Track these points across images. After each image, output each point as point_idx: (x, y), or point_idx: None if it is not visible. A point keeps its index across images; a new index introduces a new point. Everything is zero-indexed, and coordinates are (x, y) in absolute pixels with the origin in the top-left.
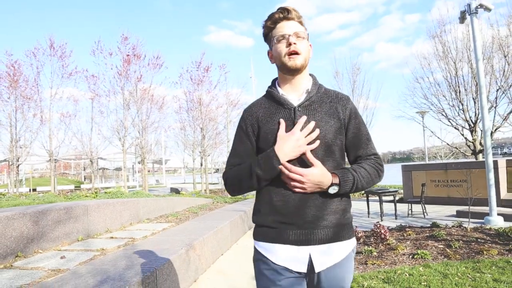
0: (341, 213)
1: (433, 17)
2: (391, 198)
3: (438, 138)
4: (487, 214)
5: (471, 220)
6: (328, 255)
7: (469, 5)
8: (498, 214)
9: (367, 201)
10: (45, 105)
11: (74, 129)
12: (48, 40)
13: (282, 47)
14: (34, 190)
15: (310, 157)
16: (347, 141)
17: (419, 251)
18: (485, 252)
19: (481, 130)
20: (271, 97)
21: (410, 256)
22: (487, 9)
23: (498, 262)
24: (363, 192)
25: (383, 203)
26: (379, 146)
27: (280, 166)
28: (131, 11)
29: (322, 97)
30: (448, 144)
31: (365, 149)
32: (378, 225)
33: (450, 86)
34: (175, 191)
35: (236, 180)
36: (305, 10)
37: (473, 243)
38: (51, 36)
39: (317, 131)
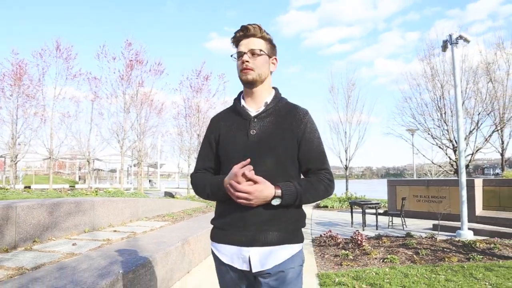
0: (286, 220)
1: (431, 37)
2: (374, 210)
3: (424, 156)
4: (459, 228)
5: (445, 233)
6: (267, 258)
7: (450, 35)
8: (469, 229)
9: (351, 212)
10: (48, 104)
11: (73, 129)
12: (55, 42)
13: (239, 64)
14: (29, 187)
15: (252, 175)
16: (300, 154)
17: (389, 256)
18: (446, 259)
19: (464, 151)
20: (234, 108)
21: (381, 260)
22: (466, 40)
23: (454, 267)
24: (347, 203)
25: (367, 215)
26: (373, 161)
27: (227, 185)
28: (136, 12)
29: (280, 110)
30: (432, 162)
31: (316, 163)
32: (357, 233)
33: (437, 107)
34: (169, 195)
35: (196, 188)
36: (307, 23)
37: (439, 252)
38: (58, 39)
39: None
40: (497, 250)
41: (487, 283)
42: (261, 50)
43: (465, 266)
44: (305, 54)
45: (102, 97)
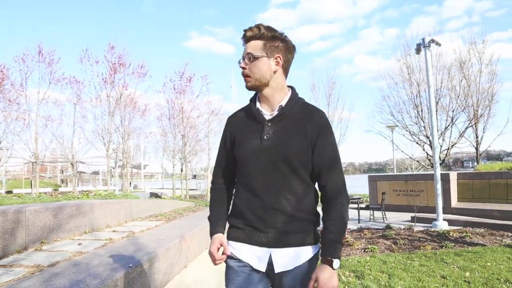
0: (303, 222)
1: (407, 38)
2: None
3: (402, 151)
4: (436, 220)
5: (422, 224)
6: (289, 258)
7: (423, 39)
8: (445, 220)
9: None
10: (32, 109)
11: (57, 132)
12: (37, 46)
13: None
14: (10, 192)
15: (310, 285)
16: (313, 158)
17: (370, 246)
18: (421, 248)
19: (441, 146)
20: (249, 109)
21: (363, 250)
22: (438, 44)
23: (428, 254)
24: None
25: (350, 209)
26: (355, 157)
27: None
28: (117, 12)
29: (295, 113)
30: (410, 157)
31: (328, 170)
32: None
33: (414, 105)
34: (155, 195)
35: (210, 205)
36: (287, 20)
37: (415, 241)
38: (40, 43)
39: None
40: (468, 238)
41: (455, 266)
42: (252, 54)
43: (438, 253)
44: None
45: (86, 100)
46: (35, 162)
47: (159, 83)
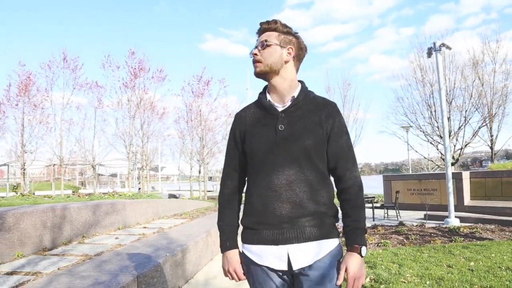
0: (320, 215)
1: (420, 40)
2: (370, 204)
3: (416, 151)
4: (448, 217)
5: (435, 221)
6: (307, 254)
7: (434, 43)
8: (457, 217)
9: None
10: (56, 113)
11: (78, 136)
12: (62, 53)
13: None
14: (32, 194)
15: (340, 276)
16: (328, 149)
17: (383, 241)
18: (432, 242)
19: (454, 145)
20: (259, 103)
21: (376, 245)
22: (448, 47)
23: (437, 247)
24: None
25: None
26: (371, 157)
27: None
28: (130, 15)
29: (308, 104)
30: (424, 157)
31: (343, 160)
32: None
33: (427, 106)
34: (173, 197)
35: (218, 215)
36: (301, 21)
37: (426, 236)
38: (64, 50)
39: None
40: (477, 233)
41: (461, 257)
42: (266, 41)
43: (446, 246)
44: None
45: (108, 105)
46: (60, 164)
47: (175, 85)
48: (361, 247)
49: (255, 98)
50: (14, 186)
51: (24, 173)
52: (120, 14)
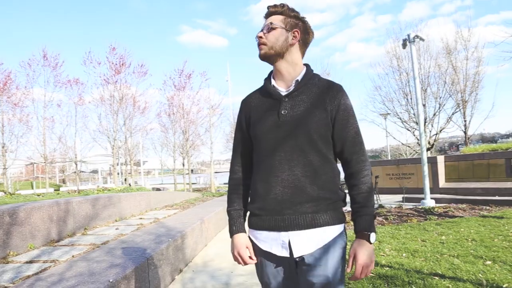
0: (324, 201)
1: (395, 30)
2: None
3: (394, 138)
4: (424, 199)
5: (412, 203)
6: (308, 240)
7: (408, 35)
8: (432, 198)
9: None
10: (39, 111)
11: (59, 133)
12: (41, 51)
13: None
14: (12, 194)
15: (349, 264)
16: (334, 133)
17: None
18: (408, 221)
19: (430, 131)
20: (264, 88)
21: None
22: (422, 39)
23: (413, 225)
24: None
25: (346, 194)
26: None
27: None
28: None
29: (312, 88)
30: (402, 143)
31: (350, 144)
32: None
33: (403, 94)
34: (157, 190)
35: (227, 200)
36: None
37: (404, 217)
38: (44, 47)
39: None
40: (450, 212)
41: (434, 233)
42: (272, 23)
43: (421, 224)
44: None
45: (90, 101)
46: (44, 163)
47: (156, 79)
48: (370, 234)
49: (236, 90)
50: None
51: (5, 173)
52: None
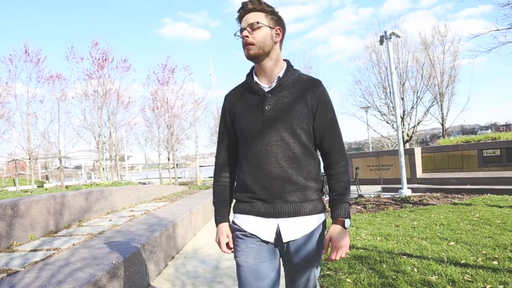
0: (308, 190)
1: (374, 26)
2: None
3: (374, 130)
4: (401, 188)
5: (391, 193)
6: (295, 227)
7: (385, 32)
8: (409, 188)
9: None
10: (22, 107)
11: (43, 129)
12: (23, 46)
13: (241, 40)
14: None
15: (325, 246)
16: (315, 126)
17: None
18: (385, 209)
19: (408, 124)
20: (247, 84)
21: None
22: (397, 36)
23: (389, 212)
24: None
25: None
26: None
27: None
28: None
29: (293, 83)
30: (382, 136)
31: (329, 136)
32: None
33: (382, 88)
34: (143, 185)
35: (213, 194)
36: None
37: (381, 205)
38: (25, 43)
39: None
40: (425, 200)
41: (407, 219)
42: (258, 23)
43: (396, 211)
44: None
45: (74, 96)
46: (29, 159)
47: (139, 74)
48: (344, 220)
49: (219, 84)
50: None
51: None
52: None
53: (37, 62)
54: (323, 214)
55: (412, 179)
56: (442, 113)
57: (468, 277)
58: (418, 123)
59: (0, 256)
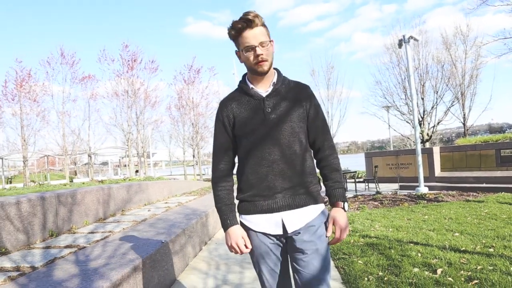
0: (307, 184)
1: (395, 29)
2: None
3: (394, 130)
4: (418, 186)
5: (408, 190)
6: (298, 218)
7: (404, 36)
8: (426, 186)
9: None
10: (58, 107)
11: (75, 127)
12: (59, 49)
13: (250, 56)
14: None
15: (329, 229)
16: (308, 124)
17: (361, 206)
18: (400, 205)
19: (428, 124)
20: (243, 90)
21: (356, 209)
22: (416, 39)
23: (403, 208)
24: None
25: (348, 183)
26: (358, 136)
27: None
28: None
29: (286, 88)
30: (401, 135)
31: (321, 132)
32: None
33: (403, 88)
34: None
35: (214, 196)
36: (282, 1)
37: (397, 201)
38: (61, 46)
39: None
40: (440, 198)
41: (419, 213)
42: (269, 40)
43: (411, 207)
44: (282, 33)
45: (104, 96)
46: (64, 155)
47: (166, 73)
48: (344, 203)
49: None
50: (9, 178)
51: (27, 165)
52: (111, 8)
53: (72, 64)
54: (322, 204)
55: (430, 177)
56: (463, 113)
57: (464, 261)
58: (438, 122)
59: (67, 236)
